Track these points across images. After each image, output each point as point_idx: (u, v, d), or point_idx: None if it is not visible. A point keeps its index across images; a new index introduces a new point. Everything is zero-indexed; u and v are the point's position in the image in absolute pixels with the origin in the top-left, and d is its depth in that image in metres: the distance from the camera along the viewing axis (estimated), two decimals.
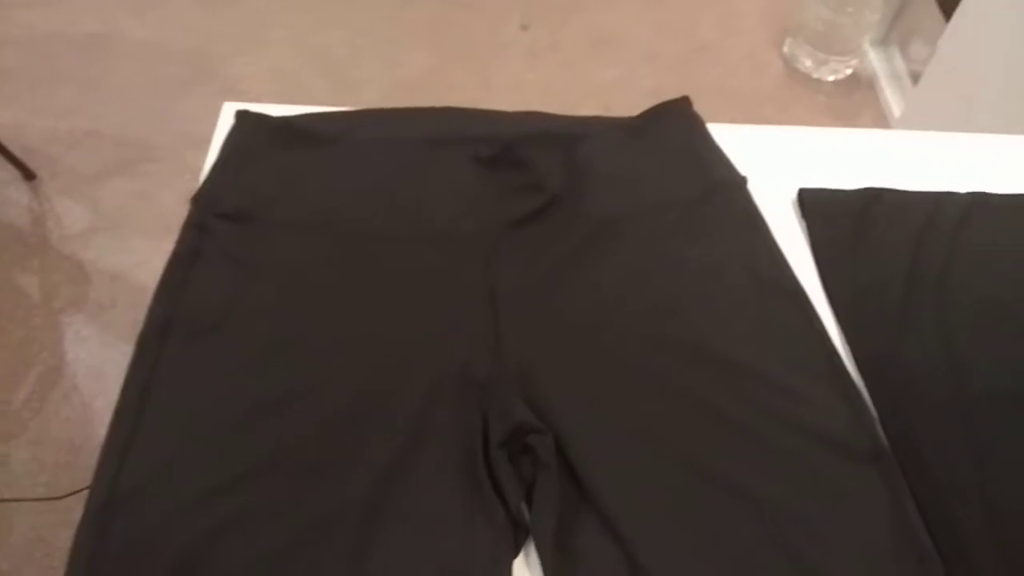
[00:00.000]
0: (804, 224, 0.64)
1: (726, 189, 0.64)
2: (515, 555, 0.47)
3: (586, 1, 2.04)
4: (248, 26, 1.95)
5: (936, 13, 1.70)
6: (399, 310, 0.57)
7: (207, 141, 2.01)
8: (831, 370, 0.55)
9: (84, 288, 1.49)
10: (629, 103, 1.82)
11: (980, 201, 0.64)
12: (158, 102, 1.79)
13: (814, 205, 0.64)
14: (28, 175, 1.62)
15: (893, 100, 1.80)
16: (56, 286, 1.49)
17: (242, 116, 0.65)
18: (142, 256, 1.54)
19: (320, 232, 0.60)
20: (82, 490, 1.25)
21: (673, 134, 0.67)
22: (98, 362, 1.41)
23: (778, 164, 0.68)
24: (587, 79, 1.87)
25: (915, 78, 1.75)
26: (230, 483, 0.48)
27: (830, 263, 0.61)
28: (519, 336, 0.55)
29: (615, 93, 1.84)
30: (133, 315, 1.47)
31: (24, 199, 1.62)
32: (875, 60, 1.89)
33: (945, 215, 0.62)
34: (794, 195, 0.65)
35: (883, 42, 1.91)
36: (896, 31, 1.88)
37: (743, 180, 0.64)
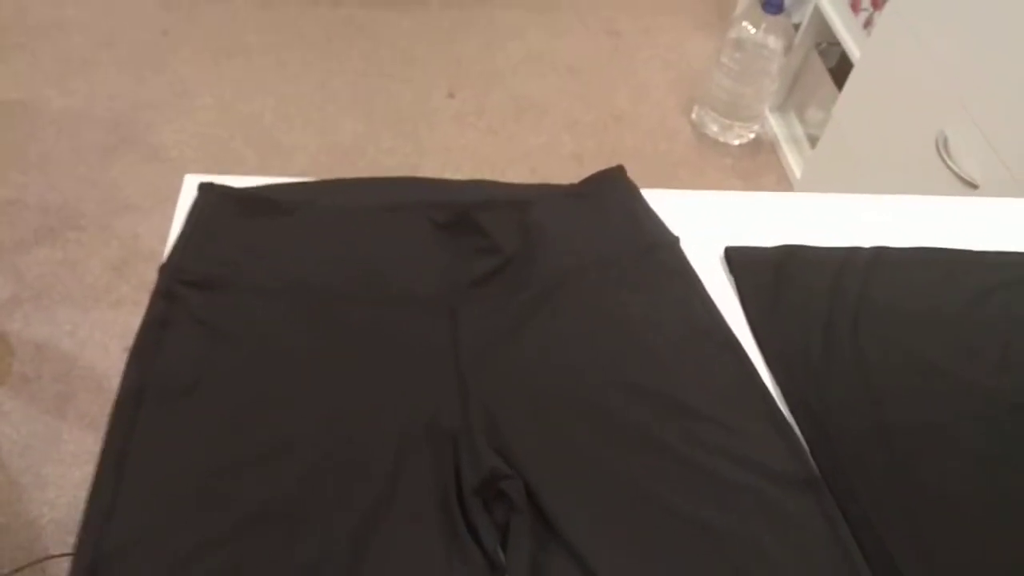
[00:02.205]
0: (731, 278, 0.71)
1: (661, 247, 0.70)
2: None
3: (508, 73, 2.15)
4: (174, 94, 1.97)
5: (829, 82, 1.87)
6: (368, 368, 0.60)
7: (134, 208, 1.98)
8: (766, 409, 0.61)
9: (8, 360, 1.45)
10: (554, 167, 1.92)
11: (882, 254, 0.72)
12: (82, 169, 1.77)
13: (740, 261, 0.71)
14: None
15: (794, 162, 1.95)
16: None
17: (205, 188, 0.68)
18: (69, 326, 1.51)
19: (287, 297, 0.63)
20: (9, 574, 1.20)
21: (612, 199, 0.73)
22: (23, 436, 1.36)
23: (704, 225, 0.75)
24: (513, 144, 1.96)
25: (813, 141, 1.91)
26: (216, 539, 0.50)
27: (758, 315, 0.68)
28: (483, 388, 0.59)
29: (540, 157, 1.93)
30: (59, 387, 1.44)
31: None
32: (775, 125, 2.05)
33: (853, 268, 0.70)
34: (720, 252, 0.72)
35: (782, 108, 2.07)
36: (793, 98, 2.05)
37: (676, 239, 0.71)
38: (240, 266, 0.64)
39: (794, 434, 0.59)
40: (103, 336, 1.51)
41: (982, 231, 0.79)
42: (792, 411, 0.61)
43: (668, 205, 0.73)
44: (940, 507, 0.57)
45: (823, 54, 1.92)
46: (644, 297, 0.67)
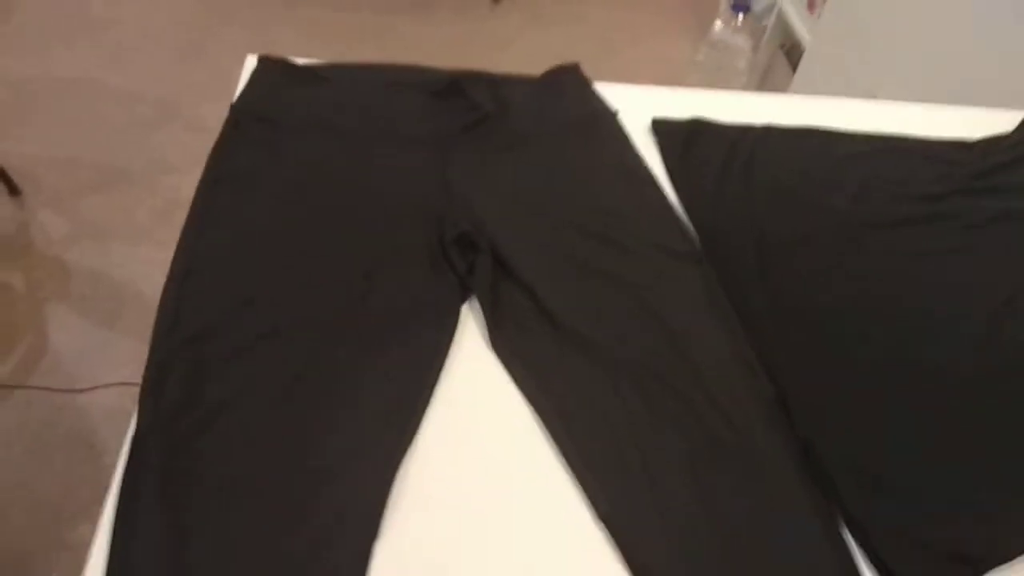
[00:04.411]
0: (656, 140, 0.93)
1: (604, 117, 0.92)
2: (463, 302, 0.72)
3: (513, 71, 2.40)
4: (215, 78, 2.22)
5: (792, 78, 2.10)
6: (379, 176, 0.82)
7: (176, 169, 2.23)
8: (671, 218, 0.82)
9: (65, 283, 1.67)
10: None
11: (772, 128, 0.94)
12: (132, 135, 2.02)
13: (661, 127, 0.93)
14: (13, 190, 1.82)
15: None
16: (40, 281, 1.67)
17: (264, 59, 0.92)
18: (120, 259, 1.74)
19: (322, 133, 0.85)
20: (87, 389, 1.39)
21: (567, 84, 0.96)
22: (79, 344, 1.58)
23: (638, 107, 0.97)
24: None
25: None
26: (270, 270, 0.72)
27: (672, 164, 0.89)
28: (463, 191, 0.81)
29: None
30: (110, 306, 1.66)
31: (9, 211, 1.80)
32: None
33: (748, 135, 0.92)
34: (648, 123, 0.95)
35: None
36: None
37: (616, 112, 0.93)
38: (288, 110, 0.87)
39: (689, 232, 0.81)
40: (149, 269, 1.73)
41: (860, 125, 1.00)
42: (692, 221, 0.83)
43: (611, 93, 0.96)
44: (799, 296, 0.78)
45: (787, 54, 2.17)
46: (589, 150, 0.89)
